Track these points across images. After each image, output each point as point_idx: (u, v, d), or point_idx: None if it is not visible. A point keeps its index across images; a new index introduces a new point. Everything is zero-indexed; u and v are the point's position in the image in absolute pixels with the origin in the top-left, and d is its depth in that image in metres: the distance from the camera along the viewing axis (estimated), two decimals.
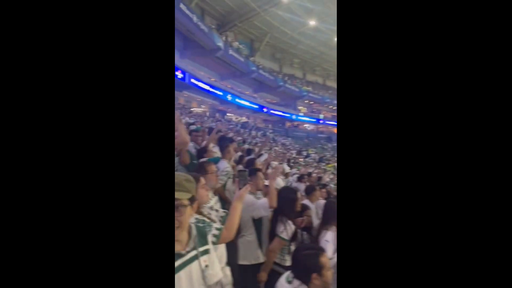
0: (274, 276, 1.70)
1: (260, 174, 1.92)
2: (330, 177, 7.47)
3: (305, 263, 1.05)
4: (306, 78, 22.64)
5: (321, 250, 1.11)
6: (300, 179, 4.22)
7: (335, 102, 21.85)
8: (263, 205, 1.71)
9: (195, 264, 0.88)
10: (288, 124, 21.09)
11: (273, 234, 1.73)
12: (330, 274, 1.05)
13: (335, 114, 23.82)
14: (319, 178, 5.62)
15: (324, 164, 12.59)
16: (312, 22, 16.57)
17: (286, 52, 20.61)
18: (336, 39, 18.45)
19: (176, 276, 0.82)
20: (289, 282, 1.06)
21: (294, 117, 20.68)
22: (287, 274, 1.10)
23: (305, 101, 21.75)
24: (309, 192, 2.88)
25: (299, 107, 21.85)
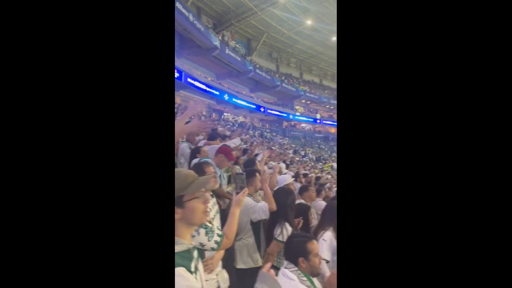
0: None
1: (258, 175, 1.87)
2: (327, 177, 7.45)
3: (294, 248, 1.18)
4: (303, 77, 22.65)
5: (310, 238, 1.21)
6: (295, 178, 4.17)
7: (332, 101, 21.93)
8: (262, 209, 1.67)
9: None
10: (285, 123, 21.09)
11: (270, 237, 1.69)
12: (317, 260, 1.18)
13: (332, 113, 23.91)
14: (318, 178, 5.58)
15: (321, 163, 12.59)
16: (309, 22, 16.57)
17: (283, 52, 20.60)
18: (334, 38, 18.47)
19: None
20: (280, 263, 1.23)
21: (291, 116, 20.68)
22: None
23: (302, 101, 21.76)
24: (302, 191, 2.77)
25: (296, 107, 21.86)
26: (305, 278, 1.16)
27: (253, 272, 1.71)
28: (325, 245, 1.63)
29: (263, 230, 1.78)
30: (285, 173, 4.38)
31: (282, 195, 1.77)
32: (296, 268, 1.18)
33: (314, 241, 1.20)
